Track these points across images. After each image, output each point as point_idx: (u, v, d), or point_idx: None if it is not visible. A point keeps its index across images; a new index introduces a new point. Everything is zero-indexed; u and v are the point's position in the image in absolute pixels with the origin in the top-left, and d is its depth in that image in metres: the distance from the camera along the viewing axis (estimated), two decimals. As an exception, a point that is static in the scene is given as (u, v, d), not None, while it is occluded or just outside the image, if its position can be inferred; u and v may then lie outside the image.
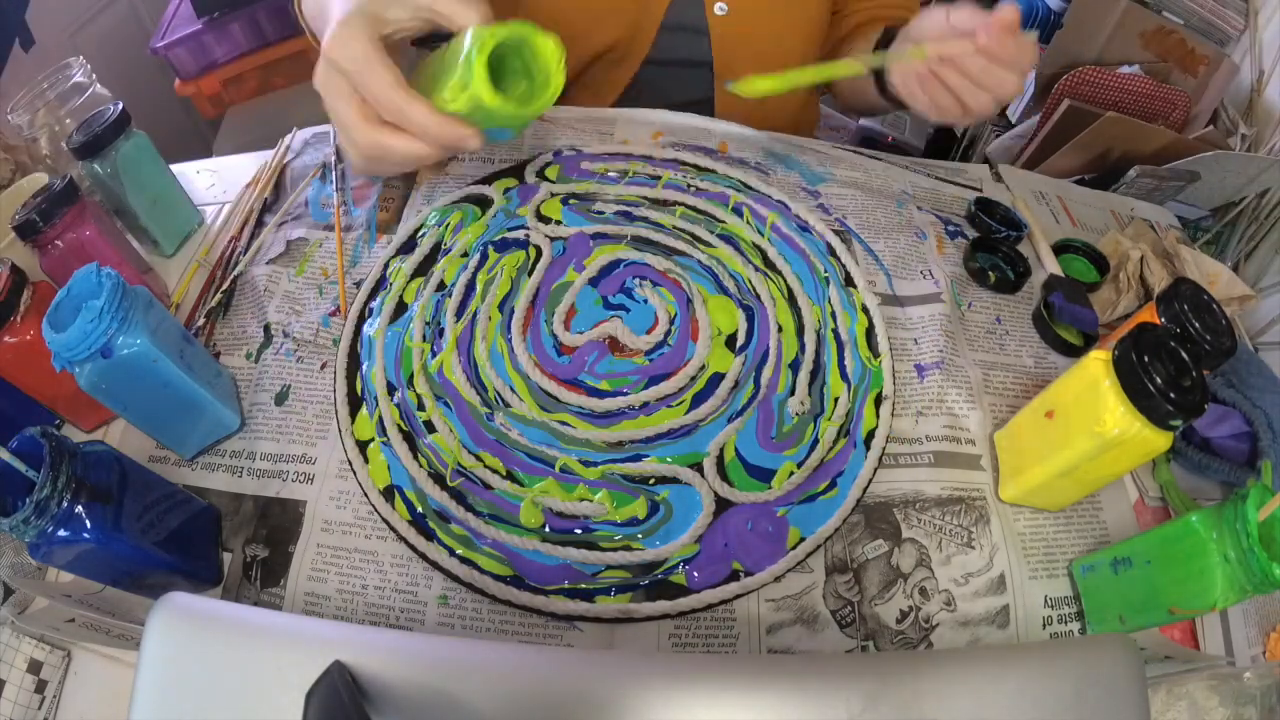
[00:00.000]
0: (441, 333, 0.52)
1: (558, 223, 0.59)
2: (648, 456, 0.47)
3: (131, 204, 0.56)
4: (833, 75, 0.54)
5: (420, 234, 0.59)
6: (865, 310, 0.54)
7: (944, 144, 1.26)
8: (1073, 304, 0.55)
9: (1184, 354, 0.40)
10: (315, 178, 0.64)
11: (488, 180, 0.62)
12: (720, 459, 0.47)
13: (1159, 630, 0.43)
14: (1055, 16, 0.96)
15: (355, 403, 0.49)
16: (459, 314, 0.53)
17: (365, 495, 0.46)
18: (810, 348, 0.52)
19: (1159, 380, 0.37)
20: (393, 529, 0.44)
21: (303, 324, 0.54)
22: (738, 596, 0.43)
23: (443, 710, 0.28)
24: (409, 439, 0.48)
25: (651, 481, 0.46)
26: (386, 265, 0.57)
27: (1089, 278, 0.60)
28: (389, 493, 0.45)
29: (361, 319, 0.54)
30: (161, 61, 1.16)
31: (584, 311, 0.54)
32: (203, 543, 0.44)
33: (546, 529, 0.44)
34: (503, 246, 0.57)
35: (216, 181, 0.66)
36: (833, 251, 0.58)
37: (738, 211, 0.60)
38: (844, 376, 0.51)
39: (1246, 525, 0.34)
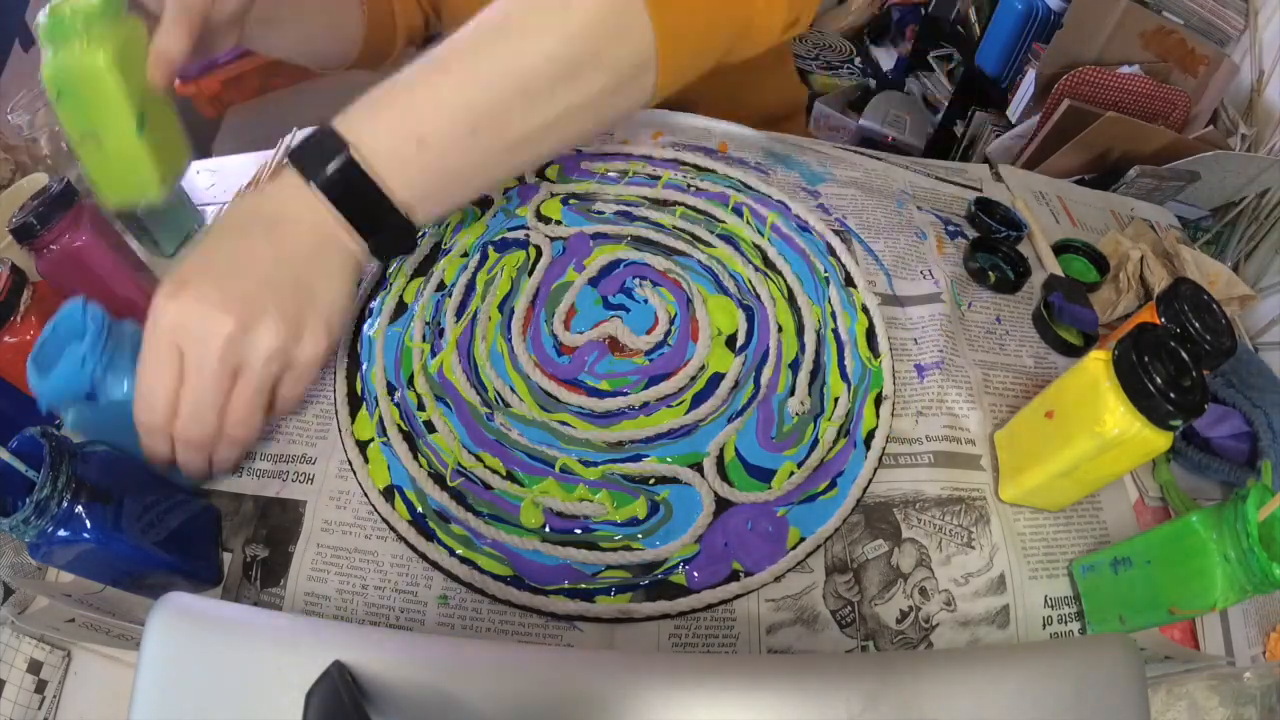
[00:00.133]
0: (441, 333, 0.52)
1: (558, 222, 0.59)
2: (648, 456, 0.47)
3: None
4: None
5: (420, 234, 0.59)
6: (865, 310, 0.54)
7: (944, 144, 1.26)
8: (1073, 304, 0.55)
9: (1184, 354, 0.40)
10: (315, 178, 0.64)
11: (488, 180, 0.62)
12: (720, 459, 0.47)
13: (1159, 630, 0.43)
14: (1055, 16, 0.96)
15: (355, 403, 0.49)
16: (459, 314, 0.53)
17: (365, 495, 0.46)
18: (810, 348, 0.52)
19: (1159, 380, 0.37)
20: (393, 529, 0.44)
21: (303, 324, 0.54)
22: (738, 596, 0.43)
23: (443, 710, 0.28)
24: (409, 439, 0.48)
25: (651, 481, 0.46)
26: (386, 265, 0.57)
27: (1089, 278, 0.60)
28: (389, 493, 0.45)
29: (361, 319, 0.54)
30: (161, 61, 1.16)
31: (584, 311, 0.54)
32: (203, 543, 0.44)
33: (546, 529, 0.44)
34: (503, 246, 0.57)
35: (216, 181, 0.66)
36: (833, 251, 0.58)
37: (738, 211, 0.60)
38: (844, 376, 0.51)
39: (1246, 525, 0.34)
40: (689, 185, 0.62)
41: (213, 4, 0.46)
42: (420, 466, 0.46)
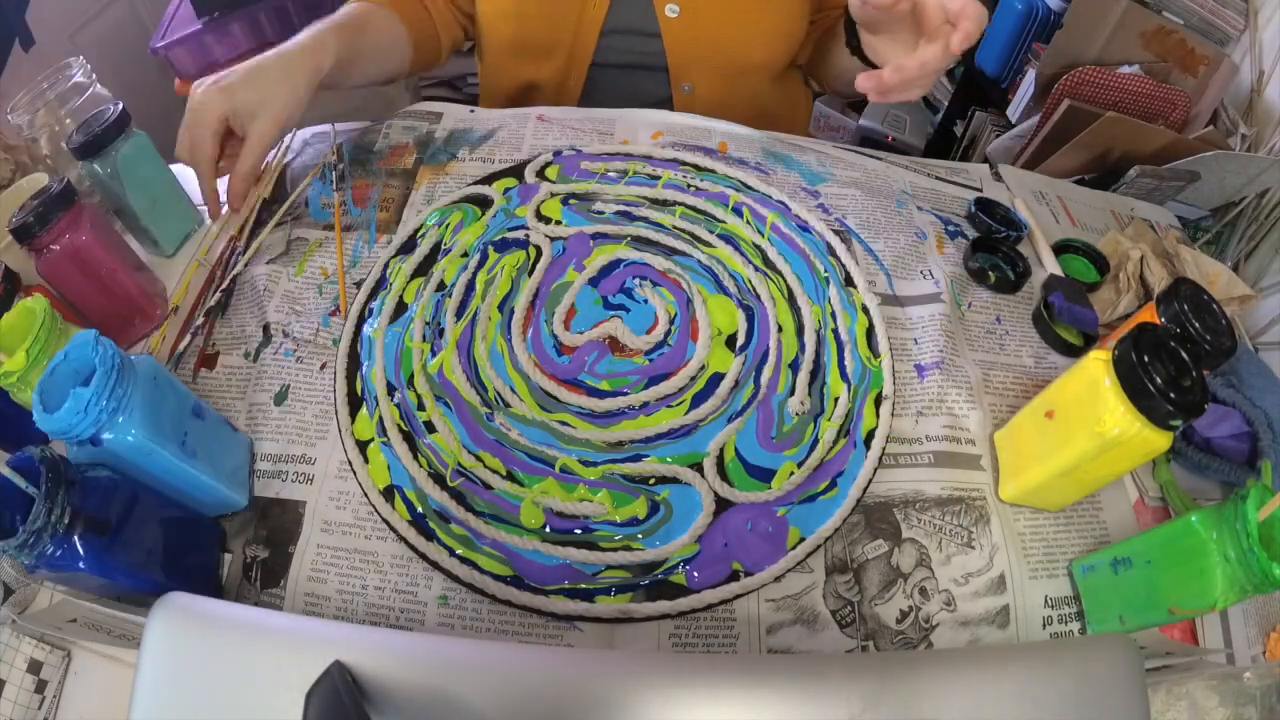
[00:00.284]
0: (441, 333, 0.52)
1: (558, 223, 0.59)
2: (648, 456, 0.47)
3: (132, 204, 0.56)
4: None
5: (420, 234, 0.59)
6: (865, 310, 0.54)
7: (944, 144, 1.26)
8: (1073, 304, 0.55)
9: (1184, 354, 0.40)
10: (315, 178, 0.64)
11: (488, 180, 0.62)
12: (720, 459, 0.47)
13: (1159, 630, 0.43)
14: (1055, 16, 0.96)
15: (355, 403, 0.49)
16: (459, 314, 0.53)
17: (365, 495, 0.46)
18: (810, 348, 0.52)
19: (1159, 380, 0.37)
20: (393, 529, 0.44)
21: (302, 324, 0.54)
22: (738, 596, 0.43)
23: (443, 710, 0.28)
24: (409, 439, 0.48)
25: (651, 481, 0.46)
26: (386, 265, 0.57)
27: (1089, 278, 0.60)
28: (389, 493, 0.45)
29: (361, 319, 0.54)
30: (161, 61, 1.16)
31: (584, 311, 0.54)
32: (202, 562, 0.43)
33: (547, 529, 0.44)
34: (503, 246, 0.57)
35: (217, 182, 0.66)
36: (833, 251, 0.58)
37: (738, 211, 0.60)
38: (844, 376, 0.51)
39: (1246, 525, 0.34)
40: (689, 185, 0.62)
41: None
42: (420, 466, 0.46)
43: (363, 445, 0.47)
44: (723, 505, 0.45)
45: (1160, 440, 0.38)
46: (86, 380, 0.36)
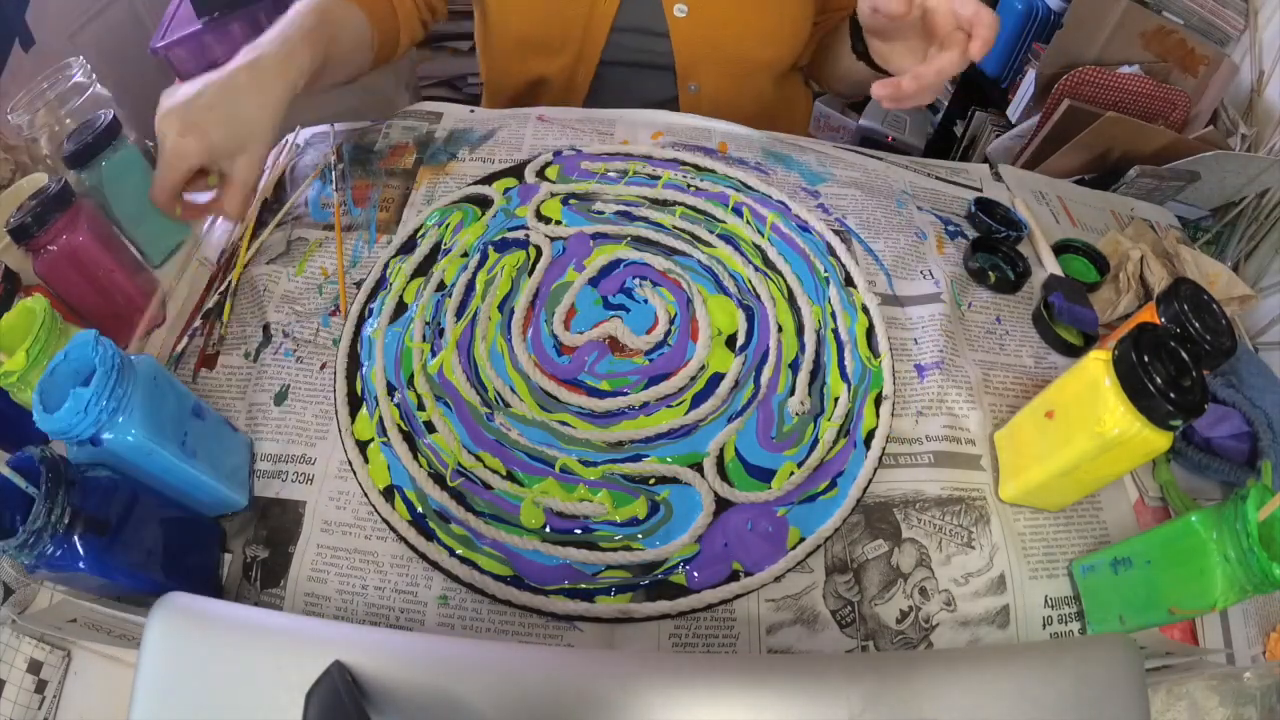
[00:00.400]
0: (441, 333, 0.52)
1: (558, 223, 0.59)
2: (648, 456, 0.47)
3: (116, 215, 0.55)
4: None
5: (420, 234, 0.59)
6: (865, 310, 0.54)
7: (944, 144, 1.26)
8: (1073, 304, 0.55)
9: (1184, 354, 0.40)
10: (315, 178, 0.64)
11: (488, 180, 0.62)
12: (720, 459, 0.47)
13: (1159, 630, 0.43)
14: (1055, 16, 0.96)
15: (355, 403, 0.49)
16: (459, 314, 0.53)
17: (365, 495, 0.46)
18: (810, 348, 0.52)
19: (1159, 380, 0.37)
20: (393, 529, 0.44)
21: (302, 324, 0.54)
22: (738, 596, 0.43)
23: (443, 710, 0.28)
24: (409, 439, 0.48)
25: (651, 481, 0.46)
26: (386, 265, 0.57)
27: (1089, 278, 0.60)
28: (389, 493, 0.45)
29: (361, 319, 0.54)
30: (161, 61, 1.15)
31: (584, 311, 0.54)
32: (203, 562, 0.43)
33: (547, 529, 0.44)
34: (503, 246, 0.57)
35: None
36: (833, 251, 0.58)
37: (738, 211, 0.60)
38: (844, 376, 0.51)
39: (1246, 525, 0.34)
40: (689, 185, 0.62)
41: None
42: (420, 466, 0.46)
43: (363, 445, 0.47)
44: (723, 505, 0.45)
45: (1160, 440, 0.38)
46: (86, 380, 0.36)
